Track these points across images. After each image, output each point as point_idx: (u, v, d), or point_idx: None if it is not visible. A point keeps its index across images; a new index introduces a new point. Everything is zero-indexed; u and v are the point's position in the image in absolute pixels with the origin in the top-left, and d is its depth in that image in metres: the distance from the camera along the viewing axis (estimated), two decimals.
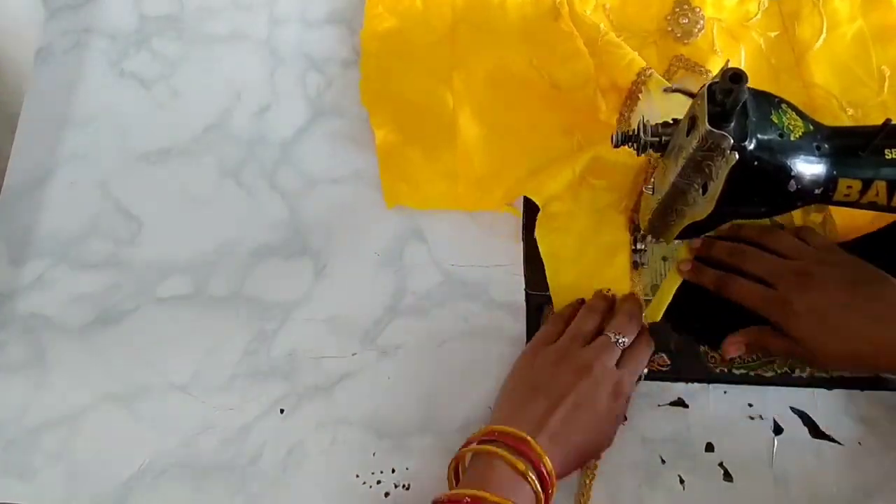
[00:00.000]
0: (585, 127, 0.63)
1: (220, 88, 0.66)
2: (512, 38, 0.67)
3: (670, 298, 0.58)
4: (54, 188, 0.62)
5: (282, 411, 0.56)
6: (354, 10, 0.69)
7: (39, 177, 0.63)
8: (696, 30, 0.66)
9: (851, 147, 0.47)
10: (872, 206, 0.49)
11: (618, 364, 0.52)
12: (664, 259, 0.60)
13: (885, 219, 0.58)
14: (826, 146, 0.47)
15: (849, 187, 0.48)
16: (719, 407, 0.56)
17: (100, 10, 0.69)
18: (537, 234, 0.59)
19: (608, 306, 0.57)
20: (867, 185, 0.47)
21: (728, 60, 0.45)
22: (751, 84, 0.65)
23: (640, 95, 0.63)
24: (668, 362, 0.57)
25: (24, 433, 0.55)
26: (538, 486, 0.46)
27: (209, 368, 0.57)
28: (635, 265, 0.59)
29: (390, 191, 0.62)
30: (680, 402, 0.56)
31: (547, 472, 0.47)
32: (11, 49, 0.79)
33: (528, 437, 0.47)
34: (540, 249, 0.59)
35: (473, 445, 0.49)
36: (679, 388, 0.56)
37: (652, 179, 0.55)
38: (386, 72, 0.66)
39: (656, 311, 0.58)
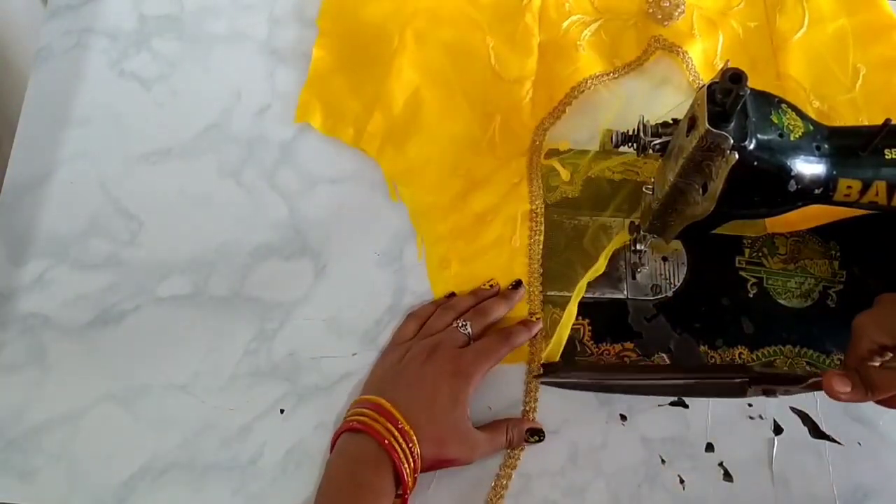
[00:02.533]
0: (506, 122, 0.64)
1: (220, 88, 0.66)
2: (480, 10, 0.67)
3: (567, 335, 0.57)
4: (54, 188, 0.62)
5: (282, 411, 0.56)
6: None
7: (39, 177, 0.63)
8: (677, 13, 0.67)
9: (851, 147, 0.47)
10: (873, 206, 0.49)
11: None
12: (664, 259, 0.60)
13: (818, 217, 0.59)
14: (826, 146, 0.47)
15: (849, 187, 0.48)
16: (719, 407, 0.56)
17: (100, 10, 0.69)
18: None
19: (472, 304, 0.57)
20: (867, 185, 0.47)
21: (727, 61, 0.45)
22: None
23: (567, 109, 0.65)
24: (668, 362, 0.57)
25: (24, 433, 0.55)
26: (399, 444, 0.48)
27: (209, 368, 0.57)
28: (635, 266, 0.60)
29: (304, 106, 0.64)
30: (680, 402, 0.56)
31: (402, 431, 0.49)
32: (11, 49, 0.78)
33: (381, 400, 0.50)
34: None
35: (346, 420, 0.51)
36: None
37: (652, 179, 0.55)
38: (348, 3, 0.68)
39: (555, 351, 0.57)
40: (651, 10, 0.68)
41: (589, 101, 0.65)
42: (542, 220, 0.61)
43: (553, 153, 0.64)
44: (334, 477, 0.49)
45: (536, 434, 0.54)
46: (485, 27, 0.67)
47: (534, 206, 0.61)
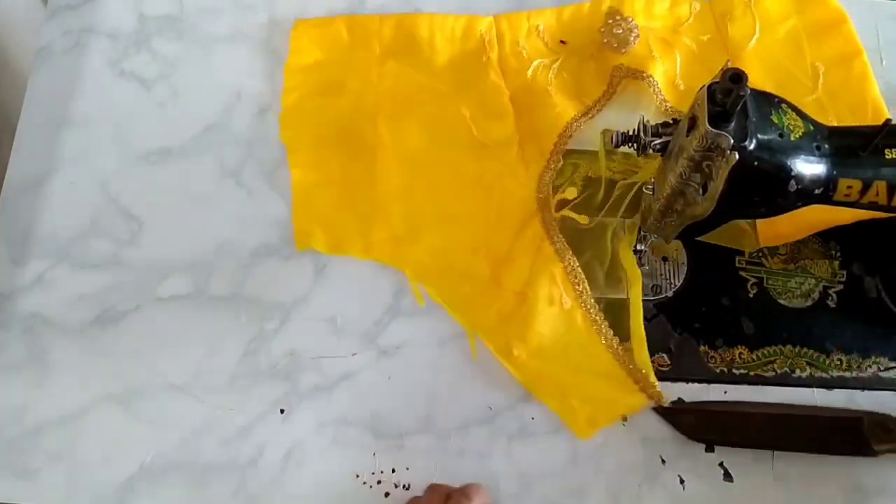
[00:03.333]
0: (505, 189, 0.62)
1: (220, 88, 0.66)
2: (443, 81, 0.65)
3: (647, 355, 0.56)
4: (54, 188, 0.62)
5: (282, 411, 0.56)
6: (353, 11, 0.69)
7: (39, 177, 0.63)
8: (632, 38, 0.65)
9: (851, 147, 0.47)
10: (873, 206, 0.49)
11: None
12: (664, 259, 0.60)
13: (811, 227, 0.59)
14: (826, 146, 0.47)
15: (849, 187, 0.48)
16: None
17: (100, 10, 0.69)
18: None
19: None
20: (867, 185, 0.47)
21: (728, 61, 0.45)
22: (689, 87, 0.65)
23: (561, 158, 0.62)
24: (668, 362, 0.57)
25: (24, 433, 0.55)
26: None
27: (209, 368, 0.57)
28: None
29: (301, 232, 0.60)
30: (680, 402, 0.56)
31: None
32: (11, 49, 0.78)
33: None
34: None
35: None
36: (679, 388, 0.56)
37: (652, 179, 0.55)
38: (307, 108, 0.65)
39: (640, 351, 0.56)
40: (606, 41, 0.65)
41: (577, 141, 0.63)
42: (581, 274, 0.58)
43: (563, 204, 0.62)
44: None
45: None
46: (454, 97, 0.64)
47: (566, 263, 0.58)
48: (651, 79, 0.64)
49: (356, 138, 0.63)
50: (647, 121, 0.52)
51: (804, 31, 0.66)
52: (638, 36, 0.65)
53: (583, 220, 0.61)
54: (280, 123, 0.64)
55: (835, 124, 0.48)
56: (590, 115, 0.64)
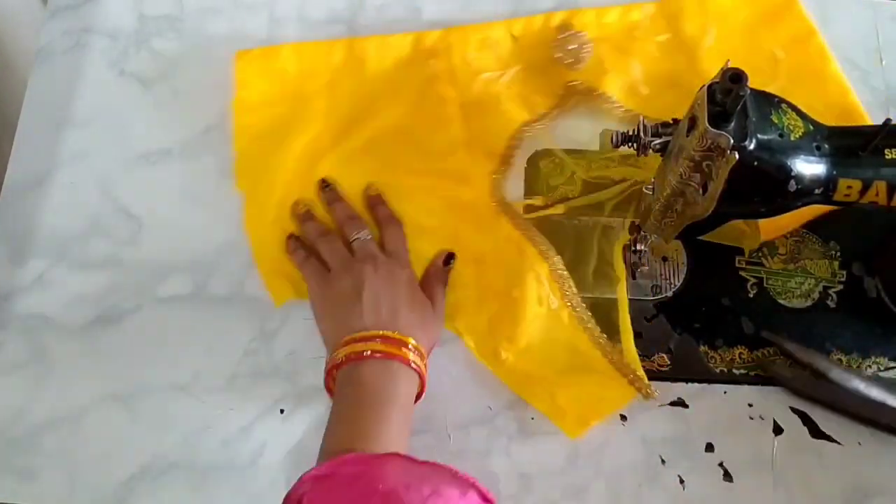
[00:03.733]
0: (460, 196, 0.61)
1: (220, 88, 0.66)
2: (391, 100, 0.64)
3: (633, 345, 0.56)
4: (54, 188, 0.62)
5: (282, 411, 0.56)
6: (354, 10, 0.69)
7: (39, 177, 0.63)
8: (585, 53, 0.63)
9: (851, 147, 0.47)
10: (873, 206, 0.49)
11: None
12: (664, 259, 0.60)
13: (812, 213, 0.59)
14: (826, 146, 0.47)
15: (849, 187, 0.48)
16: (719, 407, 0.56)
17: (100, 10, 0.69)
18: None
19: (340, 215, 0.60)
20: (867, 185, 0.47)
21: (728, 61, 0.45)
22: (653, 90, 0.64)
23: (512, 161, 0.62)
24: (668, 362, 0.57)
25: (24, 433, 0.55)
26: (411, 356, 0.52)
27: (209, 368, 0.57)
28: (635, 266, 0.59)
29: (275, 289, 0.59)
30: (680, 402, 0.56)
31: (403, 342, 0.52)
32: (11, 49, 0.79)
33: (388, 333, 0.52)
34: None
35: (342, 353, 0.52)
36: (679, 388, 0.56)
37: (652, 179, 0.55)
38: (260, 151, 0.63)
39: (631, 354, 0.56)
40: (559, 55, 0.64)
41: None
42: (566, 274, 0.58)
43: (531, 209, 0.61)
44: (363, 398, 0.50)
45: (449, 260, 0.59)
46: (403, 115, 0.64)
47: (550, 263, 0.58)
48: (604, 95, 0.63)
49: (311, 176, 0.62)
50: (647, 121, 0.52)
51: (757, 18, 0.66)
52: (590, 52, 0.64)
53: (558, 210, 0.61)
54: (235, 170, 0.62)
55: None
56: (542, 124, 0.63)
